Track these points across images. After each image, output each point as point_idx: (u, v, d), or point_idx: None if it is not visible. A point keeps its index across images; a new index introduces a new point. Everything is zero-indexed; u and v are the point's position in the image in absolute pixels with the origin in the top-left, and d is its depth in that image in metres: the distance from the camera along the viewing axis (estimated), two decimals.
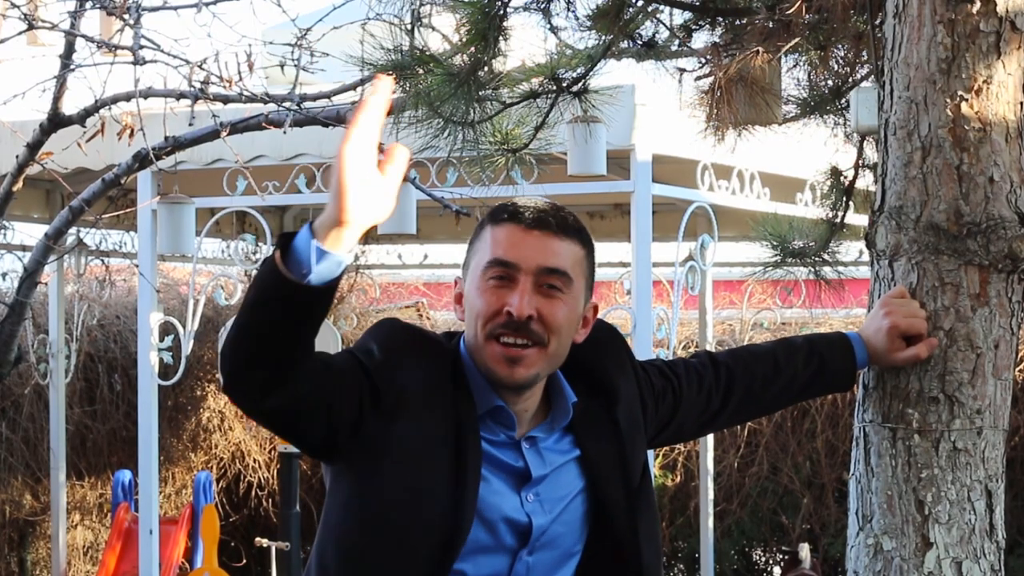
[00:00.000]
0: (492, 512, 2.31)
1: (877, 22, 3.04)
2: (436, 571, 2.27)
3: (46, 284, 7.86)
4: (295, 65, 4.81)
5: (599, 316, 2.52)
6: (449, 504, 2.26)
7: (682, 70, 3.93)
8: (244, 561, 8.86)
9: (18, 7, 5.05)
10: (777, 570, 8.94)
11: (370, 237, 9.22)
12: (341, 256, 2.03)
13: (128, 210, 6.90)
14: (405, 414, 2.26)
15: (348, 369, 2.25)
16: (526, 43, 3.81)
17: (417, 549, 2.26)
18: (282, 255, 2.04)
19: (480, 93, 3.52)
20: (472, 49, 3.51)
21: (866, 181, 3.58)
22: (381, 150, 2.07)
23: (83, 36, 5.16)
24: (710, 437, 7.91)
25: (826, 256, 3.62)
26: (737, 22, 3.74)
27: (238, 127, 5.06)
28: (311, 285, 2.02)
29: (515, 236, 2.32)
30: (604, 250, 9.01)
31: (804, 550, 7.74)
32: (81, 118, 5.26)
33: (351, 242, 2.04)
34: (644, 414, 2.50)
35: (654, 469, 8.17)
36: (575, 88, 3.58)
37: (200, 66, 4.74)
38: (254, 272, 8.84)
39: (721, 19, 3.78)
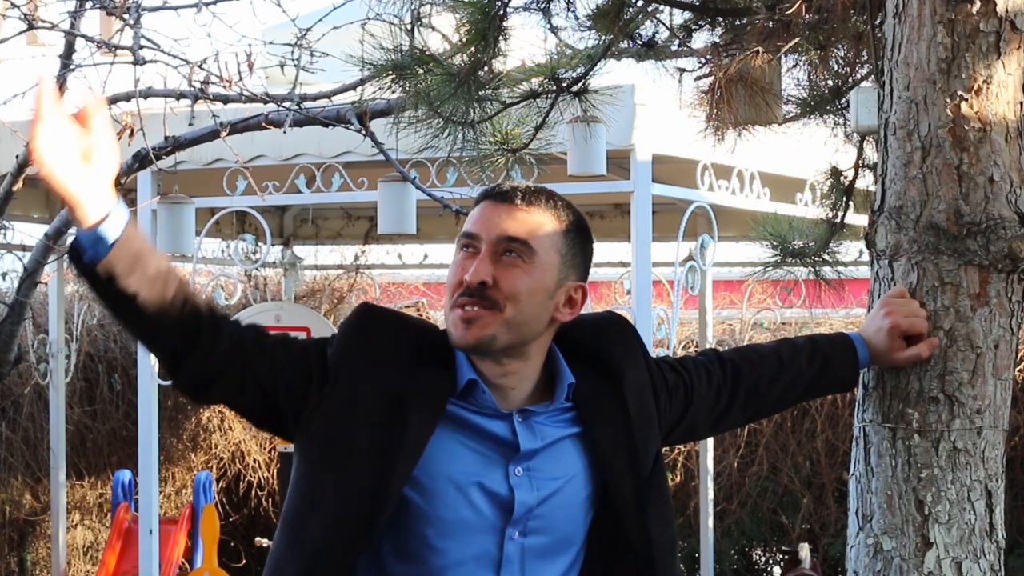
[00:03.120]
0: (464, 478, 2.32)
1: (877, 22, 3.04)
2: (362, 538, 2.29)
3: (46, 284, 7.86)
4: (295, 65, 4.81)
5: (614, 311, 2.55)
6: (379, 465, 2.29)
7: (682, 70, 3.93)
8: (244, 561, 8.86)
9: (18, 7, 5.05)
10: (777, 570, 8.94)
11: (370, 237, 9.23)
12: (103, 225, 2.14)
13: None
14: (345, 386, 2.31)
15: (304, 349, 2.33)
16: (526, 43, 3.81)
17: (348, 513, 2.29)
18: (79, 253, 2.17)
19: (480, 93, 3.52)
20: (472, 49, 3.51)
21: (866, 181, 3.58)
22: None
23: (83, 36, 5.16)
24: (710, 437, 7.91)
25: (826, 256, 3.62)
26: (737, 22, 3.74)
27: (238, 127, 5.06)
28: (98, 259, 2.14)
29: (484, 210, 2.39)
30: (604, 250, 9.01)
31: (804, 550, 7.74)
32: None
33: (104, 205, 2.14)
34: (657, 406, 2.49)
35: None
36: (575, 88, 3.58)
37: (200, 66, 4.74)
38: (254, 272, 8.81)
39: (721, 19, 3.78)
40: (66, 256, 2.20)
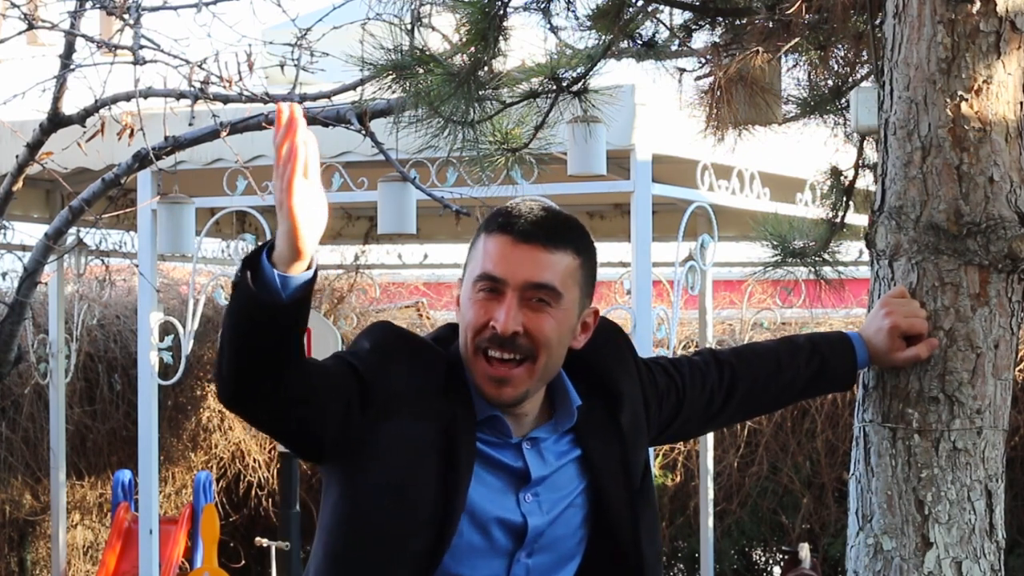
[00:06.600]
0: (484, 514, 2.32)
1: (877, 22, 3.04)
2: (423, 573, 2.28)
3: (46, 284, 7.86)
4: (295, 65, 4.81)
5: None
6: (435, 506, 2.27)
7: (682, 70, 3.93)
8: (244, 561, 8.86)
9: (18, 7, 5.05)
10: (777, 570, 8.94)
11: (370, 237, 9.23)
12: (306, 274, 2.08)
13: (128, 210, 6.90)
14: (393, 416, 2.27)
15: (338, 373, 2.26)
16: (526, 43, 3.81)
17: (402, 551, 2.27)
18: (252, 276, 2.08)
19: (480, 93, 3.52)
20: (472, 49, 3.50)
21: (866, 181, 3.57)
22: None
23: (83, 36, 5.16)
24: (710, 437, 7.91)
25: (826, 256, 3.62)
26: (737, 22, 3.74)
27: (238, 127, 5.06)
28: (285, 302, 2.08)
29: (504, 249, 2.30)
30: (604, 250, 9.00)
31: (804, 550, 7.74)
32: (81, 118, 5.26)
33: (310, 256, 2.08)
34: (647, 413, 2.49)
35: (654, 469, 8.17)
36: (575, 88, 3.58)
37: (200, 66, 4.74)
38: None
39: (721, 19, 3.77)
40: (243, 282, 2.08)
